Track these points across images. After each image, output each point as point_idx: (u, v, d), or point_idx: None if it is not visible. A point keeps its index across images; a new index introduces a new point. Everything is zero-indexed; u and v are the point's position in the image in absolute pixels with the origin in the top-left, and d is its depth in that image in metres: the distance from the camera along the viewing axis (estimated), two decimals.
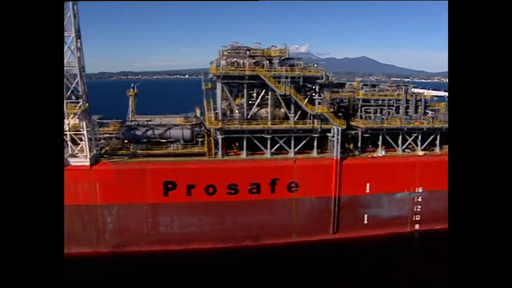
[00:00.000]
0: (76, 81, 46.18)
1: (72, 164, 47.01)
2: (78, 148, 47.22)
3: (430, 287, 43.06)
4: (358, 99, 54.40)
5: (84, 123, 46.41)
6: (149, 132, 51.07)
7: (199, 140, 51.60)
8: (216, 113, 49.65)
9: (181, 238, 48.61)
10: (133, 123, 53.50)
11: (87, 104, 46.51)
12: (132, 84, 63.66)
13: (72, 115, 46.24)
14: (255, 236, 49.68)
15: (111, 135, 52.67)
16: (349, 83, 63.99)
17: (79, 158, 46.96)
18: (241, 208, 48.57)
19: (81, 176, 46.89)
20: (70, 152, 47.05)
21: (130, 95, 62.27)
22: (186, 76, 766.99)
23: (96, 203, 47.36)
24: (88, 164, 46.82)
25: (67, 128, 46.68)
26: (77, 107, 45.89)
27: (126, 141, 51.68)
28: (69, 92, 46.46)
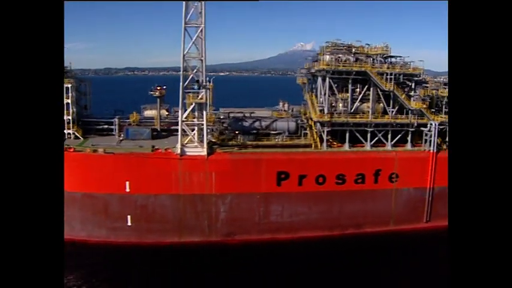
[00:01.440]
0: (194, 71, 47.24)
1: (188, 153, 47.82)
2: (189, 138, 48.08)
3: None
4: (443, 97, 57.93)
5: (204, 113, 47.29)
6: (256, 124, 52.43)
7: (303, 132, 53.40)
8: (322, 106, 51.64)
9: (290, 227, 50.27)
10: (234, 115, 54.58)
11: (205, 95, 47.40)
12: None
13: (191, 105, 47.09)
14: (357, 224, 52.03)
15: (211, 126, 53.42)
16: (433, 80, 67.34)
17: (196, 147, 47.80)
18: (347, 197, 50.81)
19: (197, 165, 47.74)
20: (185, 142, 47.90)
21: (208, 89, 63.12)
22: None
23: (211, 193, 48.30)
24: (205, 154, 47.71)
25: (183, 118, 47.49)
26: (199, 97, 46.78)
27: (233, 132, 52.66)
28: (187, 82, 47.44)
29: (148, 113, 58.22)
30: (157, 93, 55.15)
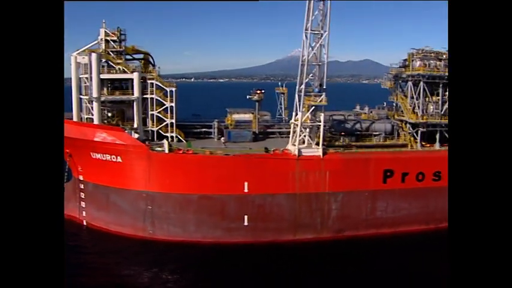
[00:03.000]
0: (311, 74, 49.50)
1: (305, 154, 49.89)
2: (299, 138, 50.17)
3: None
4: None
5: (322, 115, 49.59)
6: (357, 126, 55.30)
7: (397, 132, 56.84)
8: (418, 109, 55.28)
9: (393, 222, 53.36)
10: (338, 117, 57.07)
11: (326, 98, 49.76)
12: (279, 83, 66.90)
13: (311, 107, 49.29)
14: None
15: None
16: None
17: (311, 148, 49.96)
18: (442, 193, 54.54)
19: (313, 165, 49.91)
20: (296, 143, 50.01)
21: (283, 93, 65.49)
22: (192, 80, 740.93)
23: (324, 191, 50.56)
24: (320, 154, 49.96)
25: (302, 120, 49.56)
26: (319, 100, 49.09)
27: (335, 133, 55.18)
28: (302, 85, 49.60)
29: (238, 116, 59.52)
30: (255, 97, 56.76)
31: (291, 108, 65.67)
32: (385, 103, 65.53)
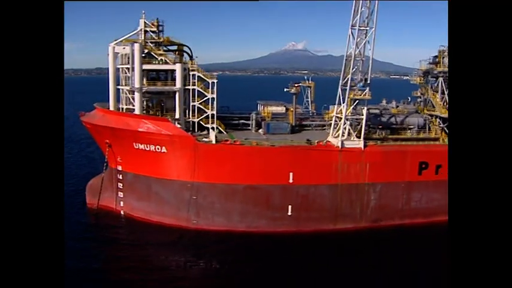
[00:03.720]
0: (353, 70, 50.92)
1: (347, 146, 51.44)
2: (339, 131, 51.77)
3: None
4: None
5: (365, 109, 51.15)
6: (392, 119, 57.13)
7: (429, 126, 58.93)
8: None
9: (426, 212, 55.51)
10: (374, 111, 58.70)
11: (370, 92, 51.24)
12: (305, 77, 68.22)
13: (355, 101, 50.81)
14: None
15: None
16: None
17: (353, 141, 51.55)
18: None
19: (355, 157, 51.54)
20: (335, 135, 51.65)
21: (309, 86, 66.84)
22: None
23: (364, 182, 52.31)
24: (362, 146, 51.61)
25: (346, 113, 51.00)
26: (363, 94, 50.60)
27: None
28: (345, 80, 51.07)
29: (272, 109, 60.57)
30: (293, 90, 57.91)
31: (317, 102, 67.46)
32: (409, 98, 67.57)
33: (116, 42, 57.03)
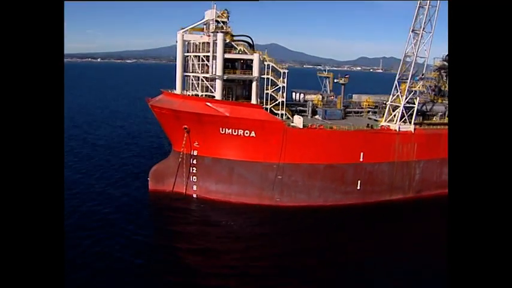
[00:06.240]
0: (411, 65, 60.28)
1: (402, 129, 60.85)
2: (395, 117, 61.17)
3: None
4: None
5: (417, 98, 60.83)
6: (423, 107, 67.80)
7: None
8: None
9: None
10: None
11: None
12: (322, 68, 76.34)
13: (411, 92, 60.18)
14: None
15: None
16: None
17: (406, 125, 61.07)
18: None
19: (407, 138, 61.23)
20: (388, 119, 60.97)
21: (327, 77, 74.90)
22: (99, 60, 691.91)
23: (413, 159, 62.32)
24: (412, 129, 61.42)
25: (404, 102, 60.12)
26: (418, 86, 60.12)
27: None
28: (400, 73, 60.23)
29: (310, 97, 67.10)
30: (342, 81, 65.44)
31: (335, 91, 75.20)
32: None
33: (183, 30, 58.75)
